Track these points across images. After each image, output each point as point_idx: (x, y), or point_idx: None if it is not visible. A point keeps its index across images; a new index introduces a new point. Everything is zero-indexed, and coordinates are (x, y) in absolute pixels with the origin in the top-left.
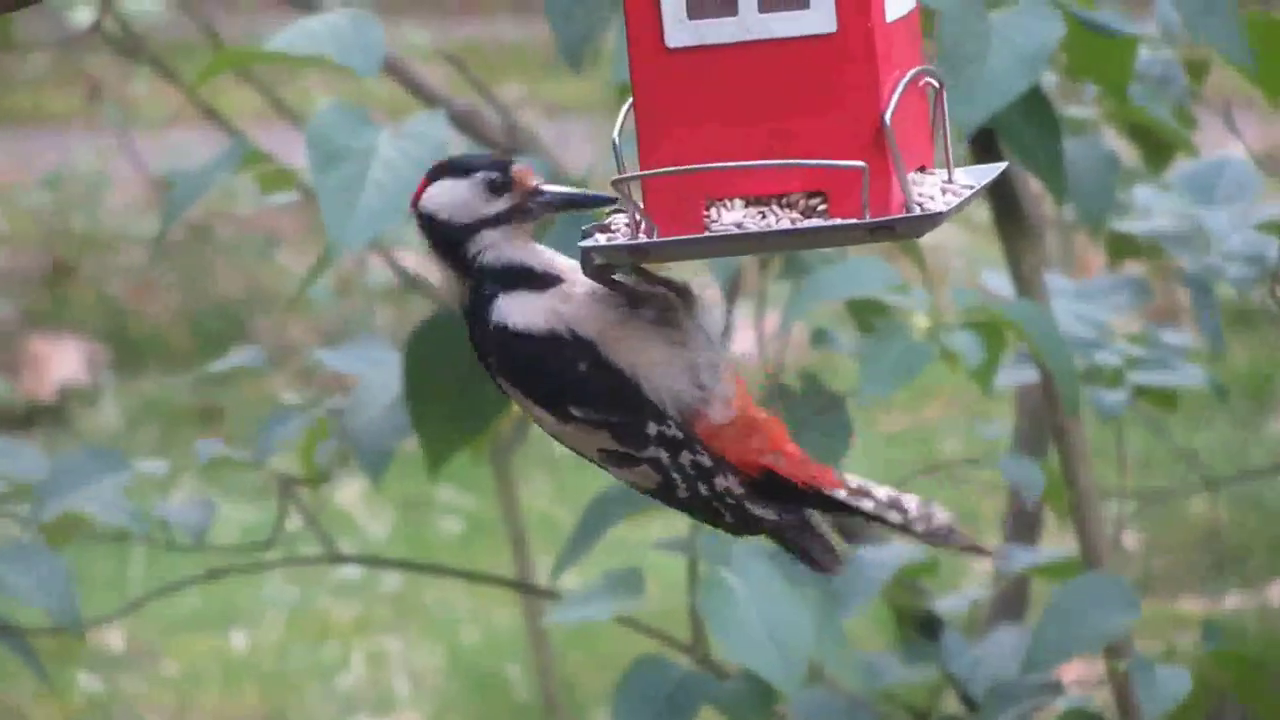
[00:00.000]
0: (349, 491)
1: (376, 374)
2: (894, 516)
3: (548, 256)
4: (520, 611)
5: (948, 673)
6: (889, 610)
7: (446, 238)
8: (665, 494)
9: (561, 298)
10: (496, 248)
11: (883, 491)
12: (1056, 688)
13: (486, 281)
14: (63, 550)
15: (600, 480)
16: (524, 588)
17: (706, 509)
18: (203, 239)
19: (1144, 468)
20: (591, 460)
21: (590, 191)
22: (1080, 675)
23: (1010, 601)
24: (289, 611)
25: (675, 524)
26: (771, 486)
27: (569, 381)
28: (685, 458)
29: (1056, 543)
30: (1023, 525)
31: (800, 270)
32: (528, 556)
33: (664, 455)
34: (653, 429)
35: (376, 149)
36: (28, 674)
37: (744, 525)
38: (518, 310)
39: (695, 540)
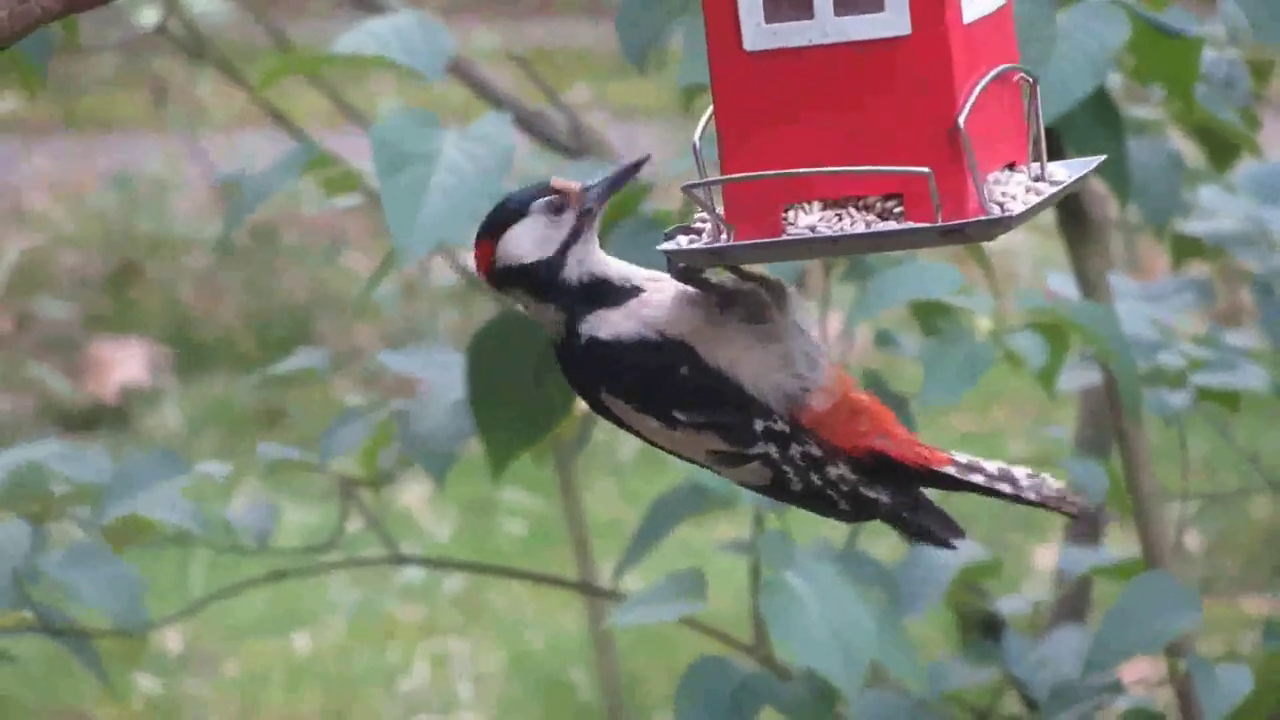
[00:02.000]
0: (413, 494)
1: (440, 376)
2: (1006, 488)
3: (624, 268)
4: (584, 614)
5: (1009, 674)
6: (951, 612)
7: (546, 278)
8: (778, 489)
9: (647, 304)
10: (583, 263)
11: (993, 466)
12: (1118, 688)
13: (575, 303)
14: (124, 553)
15: (664, 482)
16: (588, 589)
17: (821, 500)
18: (268, 242)
19: (1207, 469)
20: (702, 465)
21: (623, 162)
22: (1142, 675)
23: (1072, 603)
24: (352, 614)
25: (738, 526)
26: (881, 469)
27: (670, 385)
28: (795, 450)
29: (1119, 544)
30: (1085, 527)
31: (865, 272)
32: (591, 559)
33: (773, 450)
34: (759, 425)
35: (442, 152)
36: (89, 676)
37: (860, 511)
38: (603, 323)
39: (757, 542)
